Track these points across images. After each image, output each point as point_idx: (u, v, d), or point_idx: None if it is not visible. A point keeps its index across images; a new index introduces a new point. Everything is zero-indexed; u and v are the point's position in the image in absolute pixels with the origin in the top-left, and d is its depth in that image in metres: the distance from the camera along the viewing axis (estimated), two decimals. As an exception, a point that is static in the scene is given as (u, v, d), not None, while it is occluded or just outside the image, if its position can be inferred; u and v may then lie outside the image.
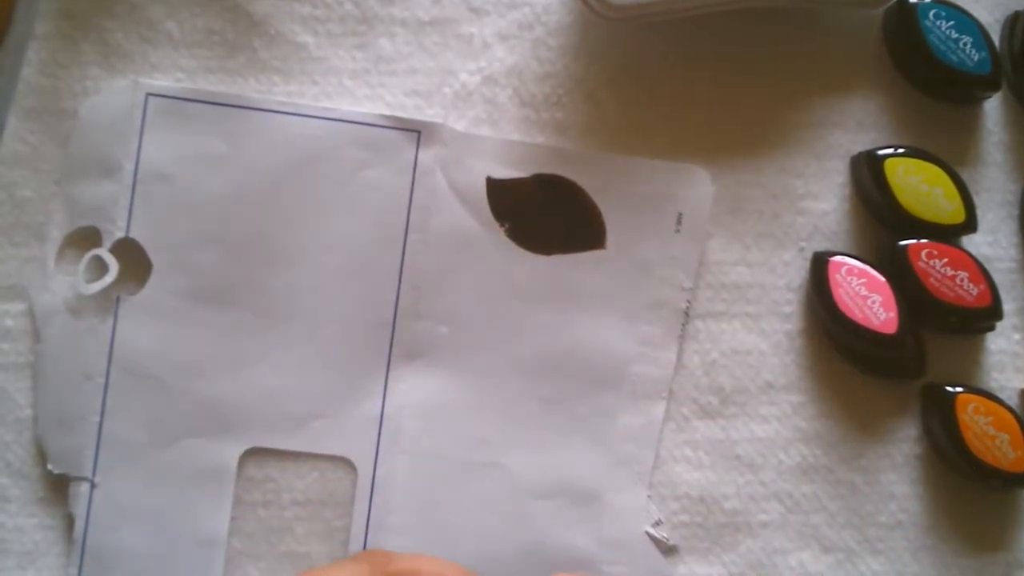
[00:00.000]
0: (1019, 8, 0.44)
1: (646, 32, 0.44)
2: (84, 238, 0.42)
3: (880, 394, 0.43)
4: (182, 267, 0.41)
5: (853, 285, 0.41)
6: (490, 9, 0.43)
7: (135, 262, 0.41)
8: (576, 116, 0.43)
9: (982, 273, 0.42)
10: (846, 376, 0.43)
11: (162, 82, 0.42)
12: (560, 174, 0.43)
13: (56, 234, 0.42)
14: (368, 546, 0.41)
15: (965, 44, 0.42)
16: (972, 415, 0.41)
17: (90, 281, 0.41)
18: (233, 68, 0.43)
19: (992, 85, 0.43)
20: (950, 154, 0.43)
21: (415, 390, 0.42)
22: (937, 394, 0.42)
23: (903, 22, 0.43)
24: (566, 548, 0.41)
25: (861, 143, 0.44)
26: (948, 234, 0.42)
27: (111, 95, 0.42)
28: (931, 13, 0.43)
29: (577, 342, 0.42)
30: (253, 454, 0.41)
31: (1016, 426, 0.41)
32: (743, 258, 0.43)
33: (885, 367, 0.43)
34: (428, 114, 0.43)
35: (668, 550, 0.42)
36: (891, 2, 0.43)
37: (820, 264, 0.42)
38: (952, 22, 0.43)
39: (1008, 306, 0.43)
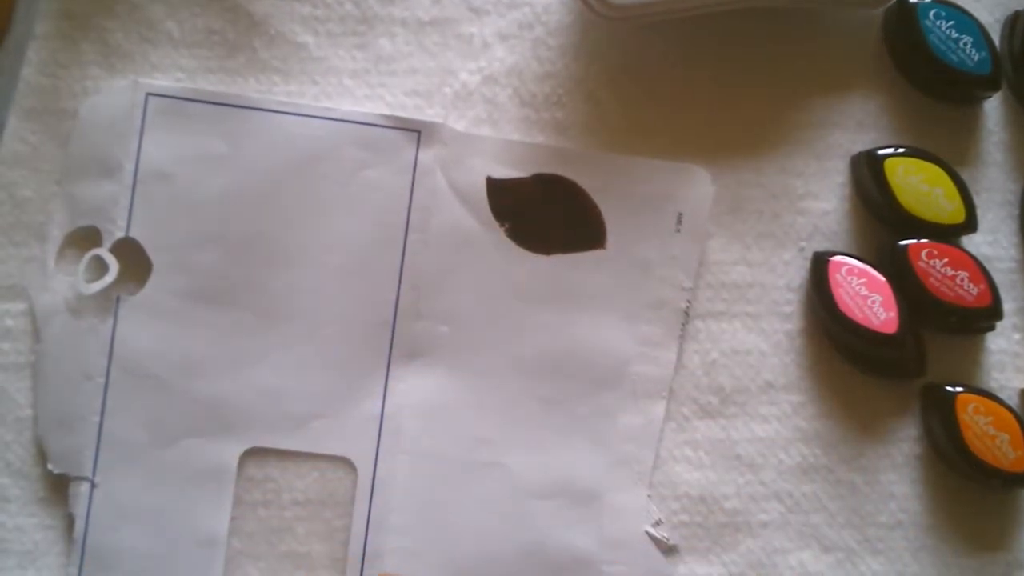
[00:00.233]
0: (1019, 8, 0.44)
1: (646, 32, 0.44)
2: (84, 238, 0.42)
3: (880, 394, 0.43)
4: (182, 267, 0.41)
5: (853, 285, 0.41)
6: (490, 9, 0.43)
7: (135, 262, 0.41)
8: (576, 116, 0.43)
9: (982, 273, 0.42)
10: (846, 376, 0.43)
11: (162, 82, 0.42)
12: (560, 174, 0.43)
13: (56, 234, 0.42)
14: (368, 546, 0.41)
15: (965, 44, 0.42)
16: (972, 415, 0.41)
17: (90, 281, 0.41)
18: (233, 68, 0.43)
19: (992, 85, 0.43)
20: (950, 154, 0.43)
21: (415, 390, 0.42)
22: (937, 394, 0.42)
23: (903, 22, 0.43)
24: (566, 548, 0.41)
25: (861, 143, 0.44)
26: (948, 234, 0.42)
27: (111, 95, 0.42)
28: (931, 13, 0.43)
29: (577, 342, 0.42)
30: (253, 454, 0.41)
31: (1016, 426, 0.41)
32: (743, 258, 0.43)
33: (885, 367, 0.43)
34: (428, 114, 0.43)
35: (668, 550, 0.42)
36: (891, 2, 0.43)
37: (820, 264, 0.42)
38: (952, 22, 0.43)
39: (1008, 306, 0.43)
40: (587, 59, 0.43)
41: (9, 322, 0.41)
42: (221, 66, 0.43)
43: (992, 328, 0.43)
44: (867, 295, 0.41)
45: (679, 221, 0.43)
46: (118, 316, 0.41)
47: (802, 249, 0.43)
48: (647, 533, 0.42)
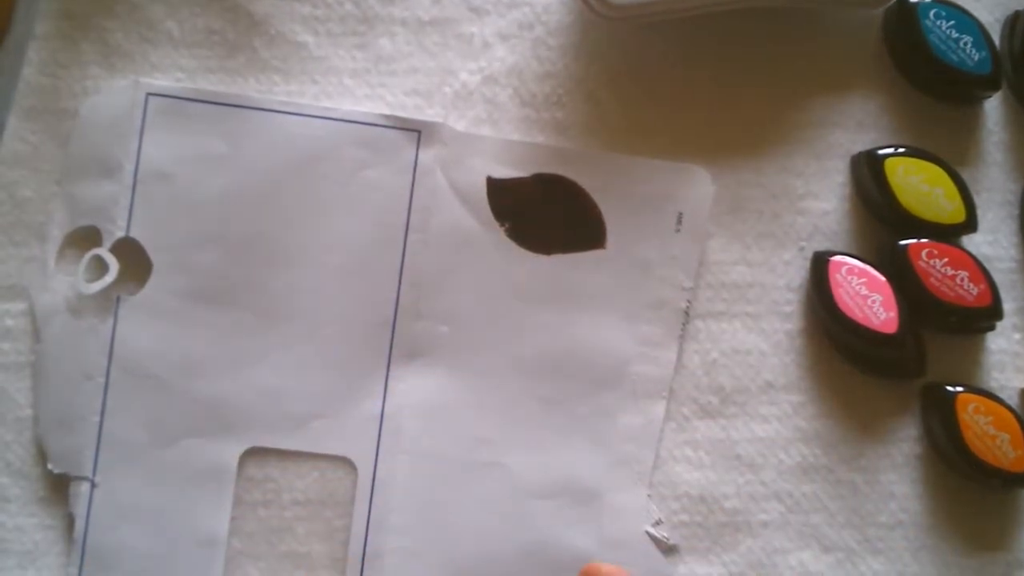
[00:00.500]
0: (1019, 8, 0.44)
1: (646, 32, 0.44)
2: (84, 238, 0.42)
3: (880, 394, 0.43)
4: (182, 267, 0.41)
5: (853, 285, 0.41)
6: (490, 9, 0.43)
7: (135, 262, 0.41)
8: (576, 116, 0.43)
9: (982, 273, 0.42)
10: (846, 376, 0.43)
11: (162, 82, 0.42)
12: (560, 174, 0.43)
13: (56, 234, 0.42)
14: (368, 545, 0.41)
15: (965, 44, 0.42)
16: (972, 415, 0.41)
17: (90, 281, 0.41)
18: (233, 68, 0.43)
19: (992, 85, 0.43)
20: (950, 154, 0.43)
21: (415, 390, 0.42)
22: (937, 394, 0.42)
23: (903, 22, 0.43)
24: (566, 548, 0.41)
25: (861, 143, 0.44)
26: (948, 234, 0.42)
27: (111, 95, 0.42)
28: (931, 13, 0.43)
29: (577, 342, 0.42)
30: (253, 454, 0.41)
31: (1016, 426, 0.41)
32: (743, 258, 0.43)
33: (885, 367, 0.43)
34: (428, 114, 0.43)
35: (668, 550, 0.42)
36: (891, 2, 0.43)
37: (820, 264, 0.42)
38: (952, 22, 0.43)
39: (1008, 306, 0.43)
40: (587, 59, 0.43)
41: (9, 322, 0.41)
42: (221, 66, 0.43)
43: (992, 328, 0.43)
44: (867, 295, 0.41)
45: (679, 221, 0.43)
46: (118, 316, 0.41)
47: (802, 249, 0.43)
48: (647, 533, 0.42)
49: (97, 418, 0.41)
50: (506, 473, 0.42)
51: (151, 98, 0.42)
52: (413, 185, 0.42)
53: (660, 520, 0.42)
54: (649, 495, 0.42)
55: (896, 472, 0.43)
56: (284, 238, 0.42)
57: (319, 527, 0.42)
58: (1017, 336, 0.44)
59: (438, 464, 0.42)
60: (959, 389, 0.42)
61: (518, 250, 0.42)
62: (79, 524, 0.41)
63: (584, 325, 0.42)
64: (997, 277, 0.42)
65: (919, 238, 0.42)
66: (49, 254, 0.42)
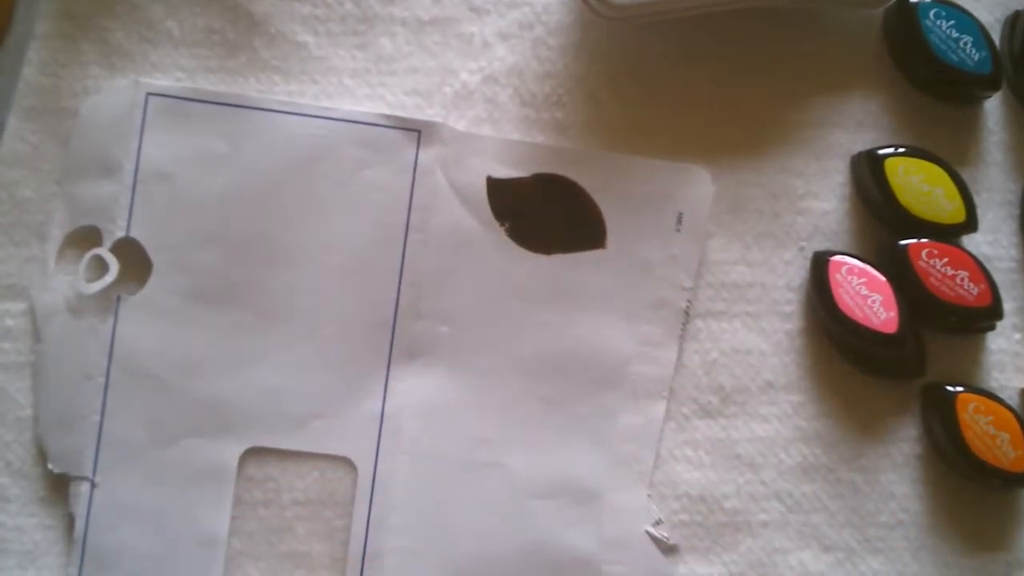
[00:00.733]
0: (1019, 8, 0.44)
1: (646, 32, 0.44)
2: (84, 238, 0.42)
3: (880, 394, 0.43)
4: (182, 267, 0.41)
5: (853, 285, 0.41)
6: (490, 8, 0.43)
7: (135, 262, 0.41)
8: (576, 116, 0.43)
9: (982, 272, 0.42)
10: (846, 376, 0.43)
11: (162, 82, 0.42)
12: (560, 174, 0.43)
13: (56, 233, 0.42)
14: (368, 545, 0.41)
15: (965, 44, 0.42)
16: (972, 415, 0.41)
17: (90, 281, 0.41)
18: (233, 68, 0.43)
19: (992, 85, 0.43)
20: (950, 154, 0.43)
21: (415, 390, 0.42)
22: (937, 394, 0.42)
23: (903, 22, 0.43)
24: (566, 548, 0.41)
25: (861, 143, 0.44)
26: (948, 234, 0.42)
27: (111, 95, 0.42)
28: (931, 13, 0.43)
29: (577, 342, 0.42)
30: (253, 454, 0.41)
31: (1016, 426, 0.41)
32: (743, 257, 0.43)
33: (885, 367, 0.43)
34: (428, 113, 0.43)
35: (668, 549, 0.42)
36: (891, 2, 0.43)
37: (820, 264, 0.42)
38: (952, 22, 0.43)
39: (1008, 305, 0.43)
40: (587, 59, 0.44)
41: (9, 322, 0.41)
42: (221, 66, 0.43)
43: (992, 328, 0.43)
44: (867, 295, 0.41)
45: (679, 221, 0.43)
46: (118, 316, 0.41)
47: (802, 249, 0.43)
48: (647, 533, 0.42)
49: (97, 418, 0.41)
50: (506, 473, 0.42)
51: (151, 98, 0.42)
52: (413, 185, 0.42)
53: (660, 520, 0.42)
54: (649, 495, 0.42)
55: (896, 472, 0.43)
56: (284, 238, 0.42)
57: (319, 527, 0.42)
58: (1017, 336, 0.44)
59: (438, 464, 0.42)
60: (959, 389, 0.42)
61: (518, 250, 0.42)
62: (79, 524, 0.41)
63: (584, 325, 0.42)
64: (997, 277, 0.42)
65: (919, 238, 0.42)
66: (49, 254, 0.42)
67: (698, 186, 0.43)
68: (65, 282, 0.41)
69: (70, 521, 0.41)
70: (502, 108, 0.43)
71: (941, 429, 0.42)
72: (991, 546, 0.43)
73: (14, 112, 0.42)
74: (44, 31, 0.42)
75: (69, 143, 0.42)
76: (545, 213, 0.42)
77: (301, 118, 0.42)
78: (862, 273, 0.42)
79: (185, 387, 0.41)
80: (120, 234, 0.41)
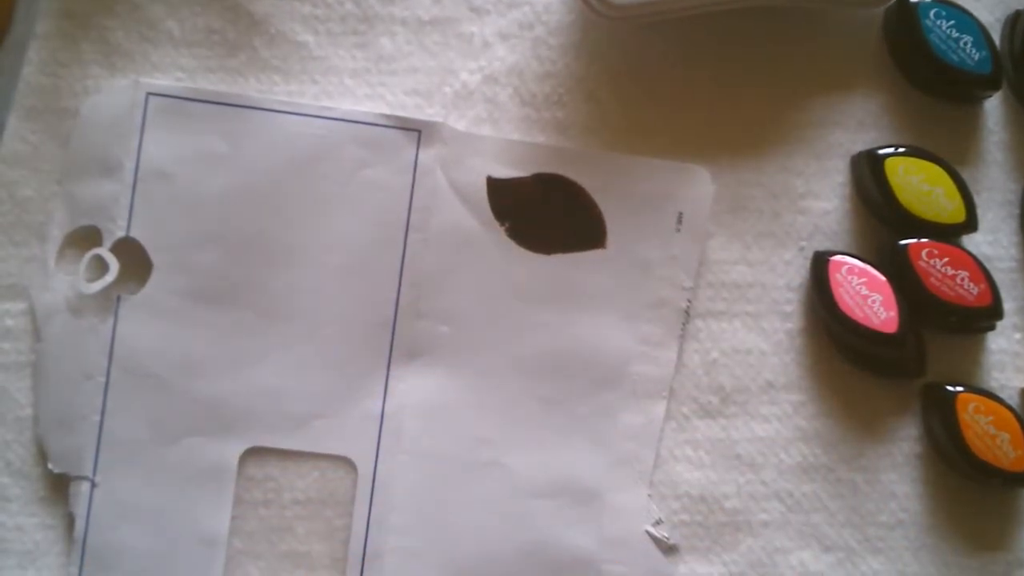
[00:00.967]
0: (1019, 8, 0.44)
1: (646, 32, 0.44)
2: (85, 237, 0.42)
3: (880, 393, 0.43)
4: (182, 267, 0.41)
5: (854, 284, 0.41)
6: (490, 8, 0.43)
7: (135, 261, 0.41)
8: (576, 115, 0.43)
9: (982, 272, 0.42)
10: (846, 375, 0.43)
11: (163, 81, 0.42)
12: (560, 173, 0.43)
13: (57, 233, 0.42)
14: (368, 545, 0.41)
15: (965, 43, 0.42)
16: (973, 414, 0.41)
17: (91, 280, 0.41)
18: (233, 67, 0.43)
19: (992, 84, 0.43)
20: (950, 153, 0.43)
21: (415, 390, 0.42)
22: (938, 393, 0.42)
23: (903, 21, 0.43)
24: (566, 548, 0.41)
25: (861, 142, 0.44)
26: (948, 233, 0.42)
27: (112, 94, 0.42)
28: (931, 12, 0.43)
29: (577, 341, 0.42)
30: (254, 453, 0.41)
31: (1017, 425, 0.41)
32: (743, 257, 0.43)
33: (885, 366, 0.43)
34: (428, 113, 0.43)
35: (669, 549, 0.42)
36: (891, 1, 0.43)
37: (820, 263, 0.42)
38: (952, 21, 0.43)
39: (1008, 305, 0.43)
40: (587, 59, 0.44)
41: (9, 321, 0.41)
42: (221, 65, 0.43)
43: (992, 328, 0.43)
44: (867, 294, 0.41)
45: (679, 220, 0.43)
46: (118, 316, 0.41)
47: (802, 248, 0.43)
48: (647, 532, 0.42)
49: (97, 418, 0.41)
50: (506, 473, 0.42)
51: (151, 97, 0.42)
52: (413, 185, 0.42)
53: (660, 520, 0.42)
54: (649, 495, 0.42)
55: (896, 472, 0.43)
56: (284, 238, 0.42)
57: (319, 527, 0.42)
58: (1017, 336, 0.44)
59: (438, 464, 0.42)
60: (959, 389, 0.42)
61: (518, 250, 0.42)
62: (79, 524, 0.41)
63: (584, 325, 0.42)
64: (997, 277, 0.42)
65: (919, 238, 0.42)
66: (49, 254, 0.42)
67: (698, 186, 0.43)
68: (65, 282, 0.41)
69: (70, 521, 0.41)
70: (502, 108, 0.43)
71: (941, 429, 0.42)
72: (991, 546, 0.43)
73: (14, 112, 0.42)
74: (44, 31, 0.42)
75: (69, 143, 0.42)
76: (545, 213, 0.42)
77: (301, 118, 0.42)
78: (862, 273, 0.42)
79: (185, 387, 0.41)
80: (120, 234, 0.41)
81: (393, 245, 0.42)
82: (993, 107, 0.45)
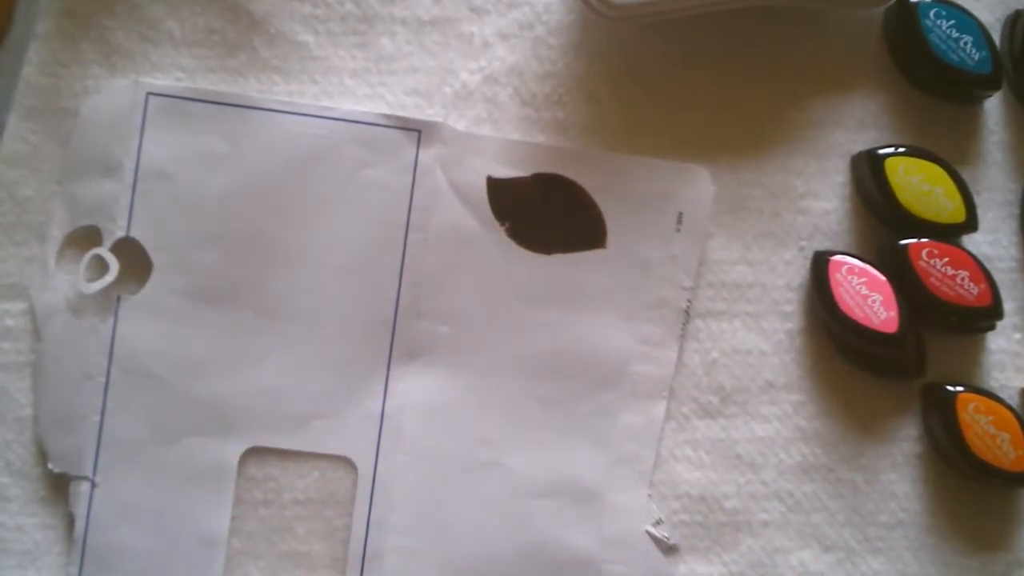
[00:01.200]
0: (1019, 7, 0.44)
1: (646, 32, 0.44)
2: (85, 237, 0.42)
3: (881, 393, 0.43)
4: (182, 266, 0.41)
5: (854, 284, 0.41)
6: (490, 8, 0.43)
7: (136, 261, 0.41)
8: (576, 115, 0.43)
9: (982, 272, 0.42)
10: (847, 375, 0.43)
11: (163, 81, 0.42)
12: (560, 173, 0.43)
13: (57, 233, 0.42)
14: (368, 545, 0.41)
15: (965, 43, 0.42)
16: (973, 414, 0.41)
17: (91, 280, 0.41)
18: (233, 67, 0.43)
19: (993, 84, 0.43)
20: (951, 153, 0.43)
21: (415, 390, 0.42)
22: (938, 393, 0.42)
23: (903, 21, 0.43)
24: (566, 547, 0.41)
25: (861, 142, 0.44)
26: (948, 233, 0.42)
27: (112, 94, 0.42)
28: (932, 12, 0.43)
29: (577, 341, 0.42)
30: (254, 453, 0.41)
31: (1017, 425, 0.41)
32: (744, 257, 0.43)
33: (885, 366, 0.43)
34: (428, 113, 0.43)
35: (669, 549, 0.42)
36: (891, 1, 0.43)
37: (820, 263, 0.42)
38: (953, 21, 0.43)
39: (1008, 305, 0.43)
40: (587, 59, 0.44)
41: (9, 321, 0.41)
42: (221, 65, 0.43)
43: (992, 328, 0.43)
44: (867, 294, 0.41)
45: (679, 220, 0.43)
46: (118, 315, 0.41)
47: (802, 248, 0.43)
48: (647, 532, 0.42)
49: (97, 417, 0.41)
50: (506, 473, 0.42)
51: (151, 97, 0.42)
52: (413, 185, 0.42)
53: (660, 520, 0.42)
54: (649, 495, 0.42)
55: (896, 471, 0.43)
56: (284, 238, 0.42)
57: (319, 527, 0.42)
58: (1017, 336, 0.44)
59: (438, 464, 0.42)
60: (959, 389, 0.42)
61: (518, 250, 0.42)
62: (79, 524, 0.41)
63: (584, 325, 0.42)
64: (997, 277, 0.42)
65: (919, 238, 0.42)
66: (49, 254, 0.42)
67: (698, 186, 0.43)
68: (65, 282, 0.41)
69: (70, 521, 0.41)
70: (502, 108, 0.43)
71: (941, 429, 0.42)
72: (991, 546, 0.43)
73: (14, 112, 0.42)
74: (44, 30, 0.42)
75: (69, 143, 0.42)
76: (545, 213, 0.42)
77: (301, 118, 0.42)
78: (862, 273, 0.42)
79: (185, 387, 0.41)
80: (120, 234, 0.41)
81: (393, 245, 0.42)
82: (993, 107, 0.45)
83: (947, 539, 0.43)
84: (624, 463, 0.42)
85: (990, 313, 0.42)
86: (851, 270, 0.42)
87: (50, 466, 0.41)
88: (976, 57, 0.42)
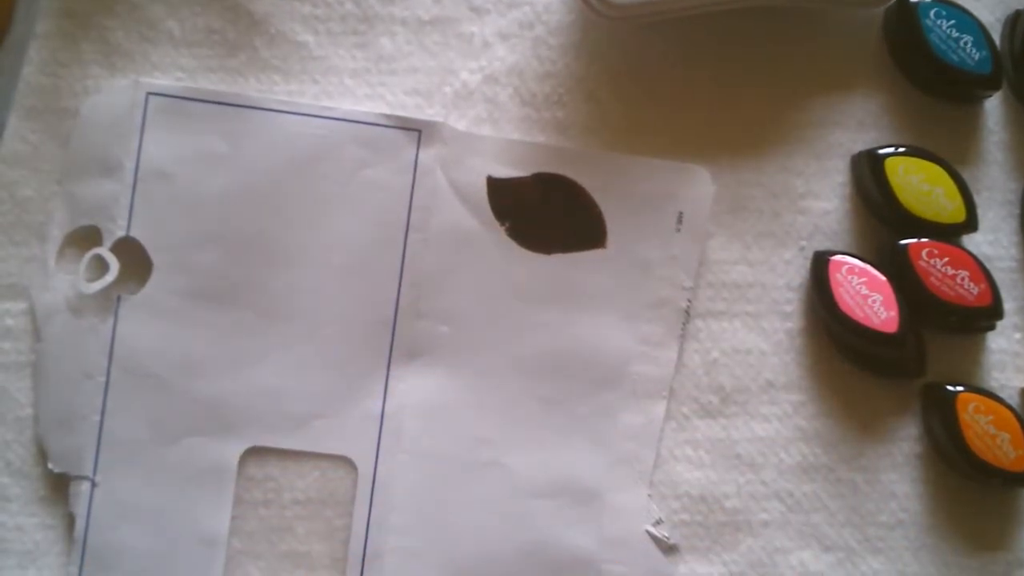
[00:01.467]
0: (1019, 7, 0.44)
1: (646, 32, 0.44)
2: (85, 237, 0.42)
3: (881, 393, 0.43)
4: (182, 266, 0.41)
5: (854, 284, 0.41)
6: (491, 8, 0.43)
7: (136, 261, 0.41)
8: (577, 115, 0.43)
9: (982, 272, 0.42)
10: (847, 375, 0.43)
11: (163, 81, 0.42)
12: (561, 173, 0.43)
13: (57, 233, 0.42)
14: (368, 545, 0.41)
15: (966, 43, 0.42)
16: (973, 414, 0.41)
17: (91, 280, 0.41)
18: (234, 67, 0.43)
19: (993, 84, 0.43)
20: (951, 153, 0.43)
21: (415, 389, 0.42)
22: (938, 393, 0.42)
23: (904, 21, 0.43)
24: (566, 547, 0.41)
25: (862, 142, 0.44)
26: (949, 233, 0.42)
27: (112, 94, 0.42)
28: (932, 12, 0.43)
29: (578, 341, 0.42)
30: (254, 453, 0.41)
31: (1017, 425, 0.41)
32: (744, 257, 0.43)
33: (886, 366, 0.43)
34: (429, 113, 0.43)
35: (669, 549, 0.42)
36: (891, 1, 0.43)
37: (821, 263, 0.42)
38: (953, 21, 0.43)
39: (1008, 305, 0.43)
40: (588, 59, 0.44)
41: (9, 321, 0.41)
42: (221, 65, 0.43)
43: (992, 327, 0.43)
44: (867, 294, 0.41)
45: (679, 220, 0.43)
46: (118, 315, 0.41)
47: (802, 248, 0.43)
48: (647, 532, 0.42)
49: (97, 417, 0.41)
50: (506, 473, 0.42)
51: (151, 97, 0.42)
52: (413, 185, 0.42)
53: (660, 519, 0.42)
54: (649, 495, 0.42)
55: (896, 471, 0.43)
56: (284, 238, 0.42)
57: (319, 526, 0.42)
58: (1017, 336, 0.44)
59: (438, 464, 0.42)
60: (959, 389, 0.42)
61: (518, 250, 0.42)
62: (79, 524, 0.41)
63: (584, 325, 0.42)
64: (997, 276, 0.42)
65: (919, 237, 0.42)
66: (49, 253, 0.42)
67: (698, 186, 0.43)
68: (65, 282, 0.41)
69: (70, 521, 0.41)
70: (502, 108, 0.43)
71: (941, 429, 0.42)
72: (991, 546, 0.43)
73: (14, 112, 0.42)
74: (44, 30, 0.42)
75: (69, 143, 0.42)
76: (545, 213, 0.42)
77: (301, 118, 0.42)
78: (862, 273, 0.42)
79: (185, 387, 0.41)
80: (120, 234, 0.41)
81: (393, 245, 0.42)
82: (993, 107, 0.45)
83: (947, 539, 0.43)
84: (624, 463, 0.42)
85: (990, 313, 0.42)
86: (851, 270, 0.42)
87: (50, 466, 0.41)
88: (976, 57, 0.42)
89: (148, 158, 0.41)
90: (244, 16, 0.43)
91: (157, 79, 0.42)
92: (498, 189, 0.42)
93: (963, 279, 0.42)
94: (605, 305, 0.42)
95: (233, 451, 0.41)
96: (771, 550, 0.42)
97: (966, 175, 0.43)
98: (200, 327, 0.41)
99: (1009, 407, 0.42)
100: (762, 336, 0.43)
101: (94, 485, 0.41)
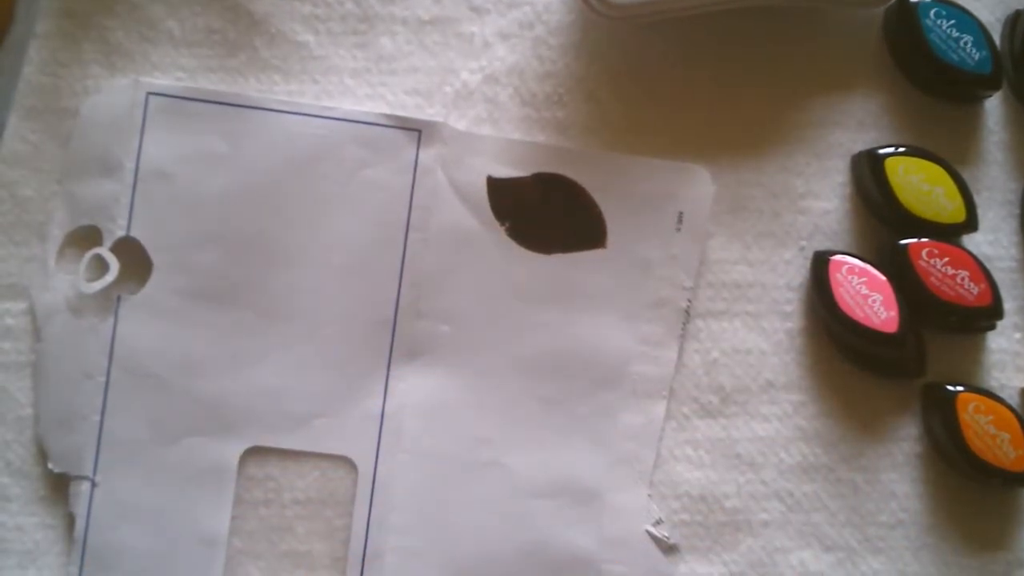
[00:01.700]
0: (1019, 7, 0.44)
1: (646, 32, 0.44)
2: (85, 237, 0.42)
3: (881, 393, 0.43)
4: (182, 266, 0.41)
5: (854, 284, 0.41)
6: (491, 8, 0.43)
7: (136, 261, 0.41)
8: (577, 115, 0.43)
9: (983, 272, 0.42)
10: (847, 375, 0.43)
11: (163, 81, 0.42)
12: (561, 173, 0.43)
13: (57, 233, 0.42)
14: (368, 545, 0.41)
15: (966, 43, 0.42)
16: (973, 414, 0.41)
17: (91, 280, 0.41)
18: (234, 67, 0.43)
19: (993, 84, 0.43)
20: (951, 153, 0.43)
21: (416, 389, 0.42)
22: (938, 393, 0.42)
23: (904, 21, 0.43)
24: (567, 547, 0.41)
25: (862, 142, 0.44)
26: (949, 233, 0.42)
27: (112, 94, 0.42)
28: (932, 12, 0.43)
29: (578, 341, 0.42)
30: (254, 453, 0.41)
31: (1017, 425, 0.41)
32: (744, 257, 0.43)
33: (886, 366, 0.43)
34: (429, 113, 0.43)
35: (669, 549, 0.42)
36: (891, 1, 0.43)
37: (821, 263, 0.42)
38: (953, 21, 0.43)
39: (1009, 305, 0.43)
40: (588, 58, 0.44)
41: (10, 321, 0.41)
42: (222, 65, 0.43)
43: (993, 327, 0.43)
44: (867, 294, 0.41)
45: (679, 220, 0.43)
46: (118, 315, 0.41)
47: (802, 248, 0.43)
48: (648, 532, 0.42)
49: (97, 417, 0.41)
50: (506, 473, 0.42)
51: (151, 97, 0.42)
52: (413, 184, 0.42)
53: (660, 519, 0.42)
54: (649, 494, 0.42)
55: (897, 471, 0.43)
56: (284, 238, 0.42)
57: (320, 526, 0.42)
58: (1018, 335, 0.44)
59: (438, 464, 0.42)
60: (959, 388, 0.42)
61: (518, 249, 0.42)
62: (79, 523, 0.41)
63: (584, 324, 0.42)
64: (997, 276, 0.42)
65: (919, 237, 0.42)
66: (49, 253, 0.42)
67: (698, 185, 0.43)
68: (65, 281, 0.41)
69: (70, 521, 0.41)
70: (502, 108, 0.43)
71: (941, 429, 0.42)
72: (991, 546, 0.43)
73: (14, 112, 0.42)
74: (45, 30, 0.42)
75: (69, 143, 0.42)
76: (545, 213, 0.42)
77: (301, 118, 0.42)
78: (862, 272, 0.42)
79: (185, 386, 0.41)
80: (120, 233, 0.41)
81: (393, 245, 0.42)
82: (993, 107, 0.45)
83: (947, 539, 0.43)
84: (624, 463, 0.42)
85: (990, 313, 0.42)
86: (851, 270, 0.42)
87: (50, 466, 0.41)
88: (976, 57, 0.43)
89: (148, 158, 0.41)
90: (244, 16, 0.43)
91: (157, 79, 0.42)
92: (498, 189, 0.42)
93: (963, 279, 0.42)
94: (605, 305, 0.42)
95: (233, 451, 0.41)
96: (771, 550, 0.42)
97: (966, 175, 0.43)
98: (200, 327, 0.41)
99: (1009, 407, 0.42)
100: (762, 336, 0.43)
101: (94, 485, 0.41)
